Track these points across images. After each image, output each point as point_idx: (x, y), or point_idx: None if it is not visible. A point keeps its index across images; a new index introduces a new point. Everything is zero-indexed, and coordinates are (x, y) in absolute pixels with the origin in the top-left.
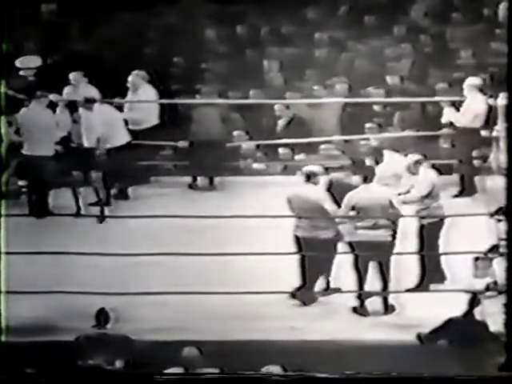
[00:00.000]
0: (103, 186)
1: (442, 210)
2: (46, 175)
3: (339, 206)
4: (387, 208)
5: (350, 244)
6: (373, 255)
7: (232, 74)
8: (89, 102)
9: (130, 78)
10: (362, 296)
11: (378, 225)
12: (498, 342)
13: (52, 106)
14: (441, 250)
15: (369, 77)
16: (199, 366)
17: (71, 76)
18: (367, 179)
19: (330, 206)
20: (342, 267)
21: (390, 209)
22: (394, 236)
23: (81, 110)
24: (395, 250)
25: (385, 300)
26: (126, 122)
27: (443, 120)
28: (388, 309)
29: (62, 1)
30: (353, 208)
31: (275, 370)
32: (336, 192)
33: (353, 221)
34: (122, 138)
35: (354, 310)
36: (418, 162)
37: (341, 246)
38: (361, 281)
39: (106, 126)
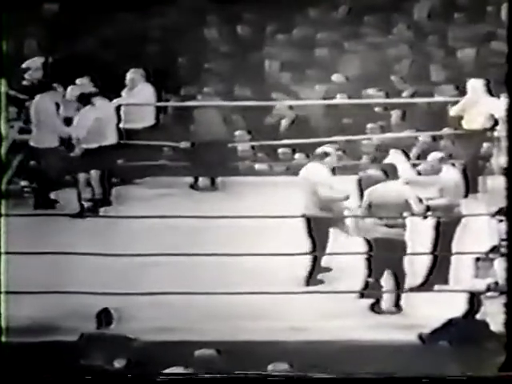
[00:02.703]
0: (100, 186)
1: (459, 209)
2: (50, 169)
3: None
4: (403, 207)
5: (367, 241)
6: (389, 261)
7: (234, 74)
8: (93, 95)
9: (127, 75)
10: (364, 296)
11: (395, 223)
12: (498, 342)
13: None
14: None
15: (369, 77)
16: (214, 367)
17: (78, 81)
18: (388, 176)
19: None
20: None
21: (406, 209)
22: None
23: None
24: (408, 250)
25: (397, 300)
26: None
27: (452, 113)
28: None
29: (63, 1)
30: (370, 204)
31: (282, 367)
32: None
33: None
34: (113, 137)
35: (371, 307)
36: (442, 160)
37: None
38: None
39: (97, 126)
